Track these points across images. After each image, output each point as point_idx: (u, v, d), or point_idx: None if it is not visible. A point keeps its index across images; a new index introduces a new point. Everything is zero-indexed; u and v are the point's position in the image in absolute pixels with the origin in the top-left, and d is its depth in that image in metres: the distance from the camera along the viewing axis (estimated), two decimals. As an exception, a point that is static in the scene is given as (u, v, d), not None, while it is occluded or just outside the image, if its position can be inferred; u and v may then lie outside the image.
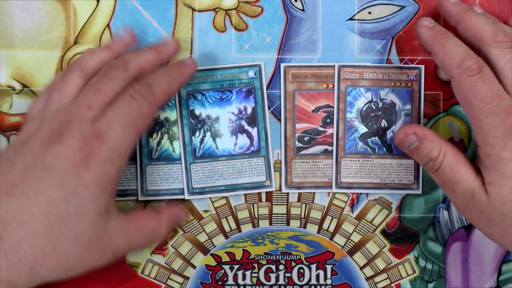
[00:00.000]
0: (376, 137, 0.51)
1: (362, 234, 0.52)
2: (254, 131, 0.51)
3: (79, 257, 0.43)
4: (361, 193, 0.51)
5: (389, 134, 0.51)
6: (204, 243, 0.52)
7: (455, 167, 0.44)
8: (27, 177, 0.42)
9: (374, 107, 0.51)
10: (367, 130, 0.51)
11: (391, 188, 0.51)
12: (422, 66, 0.51)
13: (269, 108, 0.51)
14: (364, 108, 0.51)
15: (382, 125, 0.51)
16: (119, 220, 0.45)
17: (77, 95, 0.45)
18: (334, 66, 0.51)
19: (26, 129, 0.46)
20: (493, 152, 0.43)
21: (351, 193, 0.51)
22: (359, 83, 0.51)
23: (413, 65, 0.51)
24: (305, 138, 0.51)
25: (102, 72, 0.45)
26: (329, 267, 0.52)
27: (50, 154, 0.42)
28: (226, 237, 0.52)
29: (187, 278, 0.52)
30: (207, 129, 0.51)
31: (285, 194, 0.52)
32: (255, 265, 0.52)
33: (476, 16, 0.46)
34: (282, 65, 0.51)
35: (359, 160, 0.51)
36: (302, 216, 0.52)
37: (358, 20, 0.51)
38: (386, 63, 0.51)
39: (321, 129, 0.51)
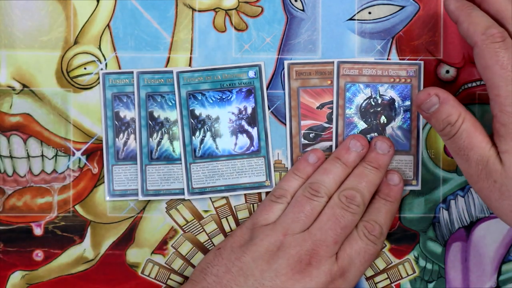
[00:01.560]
0: (376, 133, 0.51)
1: (362, 234, 0.52)
2: (254, 131, 0.51)
3: None
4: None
5: (388, 130, 0.51)
6: (204, 243, 0.52)
7: (472, 134, 0.44)
8: None
9: (373, 103, 0.51)
10: (366, 126, 0.51)
11: (391, 187, 0.51)
12: (421, 62, 0.51)
13: (269, 108, 0.51)
14: (363, 104, 0.51)
15: (382, 121, 0.51)
16: None
17: (322, 226, 0.47)
18: (333, 63, 0.51)
19: (266, 233, 0.48)
20: (510, 121, 0.43)
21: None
22: (358, 79, 0.51)
23: (412, 61, 0.51)
24: (311, 135, 0.51)
25: (345, 205, 0.48)
26: (329, 267, 0.52)
27: (298, 285, 0.46)
28: (226, 237, 0.51)
29: (187, 278, 0.52)
30: (207, 129, 0.51)
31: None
32: (255, 265, 0.52)
33: None
34: (286, 62, 0.51)
35: (359, 159, 0.51)
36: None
37: (358, 20, 0.51)
38: (386, 63, 0.51)
39: (326, 125, 0.51)
